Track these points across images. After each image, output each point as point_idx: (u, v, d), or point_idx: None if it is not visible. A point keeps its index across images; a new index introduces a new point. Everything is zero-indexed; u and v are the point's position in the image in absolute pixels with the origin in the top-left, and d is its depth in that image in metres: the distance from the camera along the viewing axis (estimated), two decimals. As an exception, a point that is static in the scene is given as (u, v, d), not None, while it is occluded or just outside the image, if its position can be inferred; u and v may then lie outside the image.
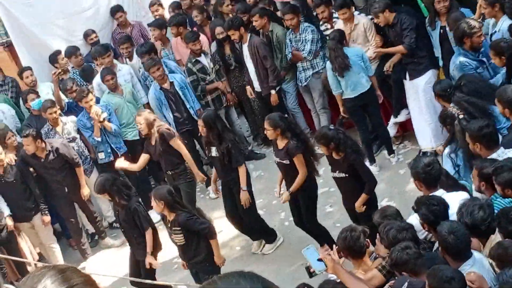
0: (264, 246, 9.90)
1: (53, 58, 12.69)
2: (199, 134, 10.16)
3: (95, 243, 11.55)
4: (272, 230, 9.83)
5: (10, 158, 10.37)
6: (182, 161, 9.92)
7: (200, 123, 9.22)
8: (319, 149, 8.65)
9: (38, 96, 11.47)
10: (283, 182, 9.08)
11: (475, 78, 8.25)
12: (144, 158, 10.10)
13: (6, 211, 10.29)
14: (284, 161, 8.65)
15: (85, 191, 10.70)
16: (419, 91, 10.04)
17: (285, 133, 8.52)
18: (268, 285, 1.88)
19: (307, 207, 8.88)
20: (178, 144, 9.85)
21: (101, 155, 11.22)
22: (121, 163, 10.18)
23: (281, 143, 8.62)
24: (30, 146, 10.15)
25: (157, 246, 8.95)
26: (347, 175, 8.13)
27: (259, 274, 1.93)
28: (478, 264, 5.49)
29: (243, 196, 9.18)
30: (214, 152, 9.26)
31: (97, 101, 11.40)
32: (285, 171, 8.83)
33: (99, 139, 11.04)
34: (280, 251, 9.69)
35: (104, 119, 10.88)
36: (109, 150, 11.28)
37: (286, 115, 8.96)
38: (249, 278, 1.87)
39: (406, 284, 5.21)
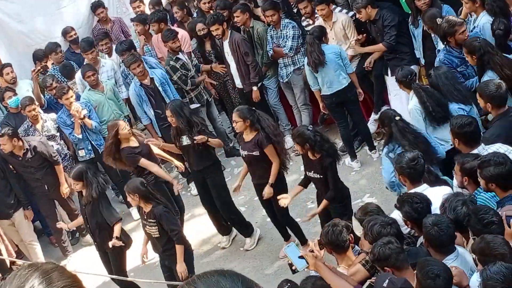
0: (232, 242, 9.96)
1: (39, 55, 12.56)
2: None
3: (76, 240, 11.50)
4: (249, 224, 9.84)
5: None
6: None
7: (168, 113, 9.26)
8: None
9: (15, 94, 11.37)
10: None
11: (446, 74, 8.18)
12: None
13: None
14: (254, 153, 8.65)
15: (65, 188, 10.62)
16: (400, 87, 10.03)
17: (254, 125, 8.55)
18: (248, 284, 1.86)
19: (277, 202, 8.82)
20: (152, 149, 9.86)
21: (82, 152, 11.14)
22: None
23: (249, 136, 8.65)
24: (7, 145, 10.08)
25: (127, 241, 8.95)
26: (321, 176, 8.14)
27: (241, 272, 1.92)
28: (461, 258, 5.51)
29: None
30: (185, 141, 9.27)
31: (77, 98, 11.32)
32: (255, 163, 8.82)
33: (80, 136, 10.97)
34: (262, 247, 9.69)
35: (84, 116, 10.80)
36: (89, 147, 11.20)
37: (254, 109, 8.90)
38: (229, 277, 1.86)
39: (387, 281, 5.20)
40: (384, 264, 5.53)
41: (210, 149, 9.45)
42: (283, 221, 9.13)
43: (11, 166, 10.49)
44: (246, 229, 9.80)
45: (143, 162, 9.50)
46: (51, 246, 11.54)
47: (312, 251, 5.94)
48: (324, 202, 8.13)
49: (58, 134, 11.19)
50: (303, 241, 8.97)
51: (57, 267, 2.06)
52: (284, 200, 8.45)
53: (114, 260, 8.97)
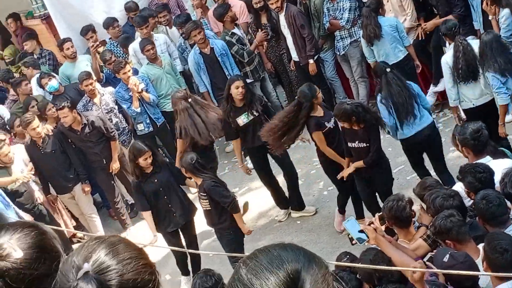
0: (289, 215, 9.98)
1: (84, 31, 12.69)
2: None
3: (135, 213, 11.62)
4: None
5: (47, 129, 10.43)
6: None
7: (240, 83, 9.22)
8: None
9: (51, 78, 11.47)
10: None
11: (491, 41, 8.18)
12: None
13: (36, 188, 10.42)
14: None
15: (115, 165, 10.74)
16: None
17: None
18: (310, 256, 1.85)
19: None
20: (180, 144, 9.82)
21: (140, 126, 11.24)
22: None
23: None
24: (68, 117, 10.17)
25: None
26: (367, 145, 8.08)
27: (299, 244, 1.91)
28: None
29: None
30: (246, 118, 9.27)
31: (135, 72, 11.41)
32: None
33: (138, 110, 11.05)
34: (319, 220, 9.68)
35: (142, 90, 10.89)
36: (148, 121, 11.27)
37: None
38: (290, 250, 1.85)
39: (448, 255, 5.15)
40: (446, 237, 5.48)
41: None
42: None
43: (70, 141, 10.63)
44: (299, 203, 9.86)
45: None
46: (110, 219, 11.72)
47: (371, 223, 5.91)
48: (359, 163, 8.17)
49: (116, 107, 11.27)
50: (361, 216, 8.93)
51: (123, 239, 2.09)
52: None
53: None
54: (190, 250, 8.82)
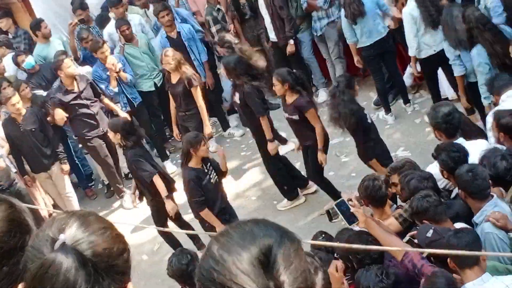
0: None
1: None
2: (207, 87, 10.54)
3: (111, 193, 11.62)
4: (294, 188, 9.74)
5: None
6: (196, 105, 10.04)
7: (222, 66, 9.29)
8: None
9: (27, 55, 11.43)
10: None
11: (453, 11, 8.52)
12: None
13: (13, 169, 10.38)
14: (293, 117, 8.53)
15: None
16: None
17: (294, 88, 8.40)
18: (283, 231, 1.85)
19: (314, 161, 8.77)
20: (197, 94, 9.92)
21: (118, 106, 11.20)
22: None
23: (289, 98, 8.48)
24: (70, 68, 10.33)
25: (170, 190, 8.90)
26: (298, 118, 8.38)
27: None
28: (500, 207, 5.48)
29: (270, 147, 9.21)
30: (237, 97, 9.23)
31: (111, 52, 11.35)
32: (295, 127, 8.74)
33: (116, 89, 11.02)
34: (296, 201, 9.72)
35: (119, 70, 10.84)
36: (125, 101, 11.25)
37: (294, 71, 8.79)
38: (262, 225, 1.85)
39: (431, 231, 5.20)
40: (423, 217, 5.53)
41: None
42: (316, 180, 9.15)
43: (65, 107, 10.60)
44: (291, 193, 9.69)
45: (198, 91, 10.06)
46: (87, 199, 11.71)
47: (350, 200, 5.93)
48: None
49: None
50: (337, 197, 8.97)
51: (92, 212, 2.09)
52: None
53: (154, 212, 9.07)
54: (189, 232, 8.88)
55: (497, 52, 7.92)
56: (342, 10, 10.16)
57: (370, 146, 8.18)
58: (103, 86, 11.05)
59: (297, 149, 9.23)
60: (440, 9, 8.77)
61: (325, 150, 8.67)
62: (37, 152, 10.36)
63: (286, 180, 9.67)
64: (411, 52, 9.43)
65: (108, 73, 10.93)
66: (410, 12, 9.16)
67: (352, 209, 5.57)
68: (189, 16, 11.81)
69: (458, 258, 4.79)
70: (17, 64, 11.53)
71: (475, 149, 6.21)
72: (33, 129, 10.18)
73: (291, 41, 11.21)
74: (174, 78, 10.03)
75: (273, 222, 1.89)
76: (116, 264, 1.95)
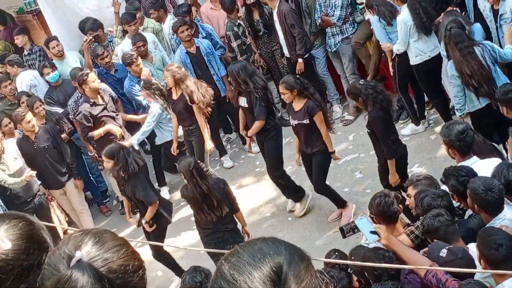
0: (304, 209, 9.84)
1: (82, 26, 12.64)
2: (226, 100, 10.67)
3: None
4: (299, 187, 9.78)
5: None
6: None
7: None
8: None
9: (54, 69, 11.49)
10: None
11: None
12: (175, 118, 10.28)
13: (38, 182, 10.40)
14: (304, 121, 8.63)
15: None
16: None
17: (302, 93, 8.55)
18: (292, 248, 1.86)
19: (320, 169, 8.88)
20: (197, 110, 9.86)
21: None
22: None
23: (298, 105, 8.64)
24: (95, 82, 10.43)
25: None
26: (370, 131, 8.15)
27: (289, 242, 1.91)
28: (508, 219, 5.44)
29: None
30: (242, 102, 9.36)
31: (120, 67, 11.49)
32: (306, 132, 8.76)
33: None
34: (311, 218, 9.69)
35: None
36: None
37: (298, 77, 8.92)
38: (271, 243, 1.86)
39: (445, 251, 5.16)
40: (434, 236, 5.50)
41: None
42: (320, 190, 9.16)
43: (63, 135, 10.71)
44: (297, 193, 9.76)
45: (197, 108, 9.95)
46: (101, 216, 11.72)
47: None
48: (389, 162, 8.10)
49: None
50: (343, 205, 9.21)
51: (107, 230, 2.12)
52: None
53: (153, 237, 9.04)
54: (193, 248, 8.94)
55: (463, 73, 8.15)
56: (373, 16, 10.07)
57: (392, 145, 8.14)
58: (140, 99, 11.02)
59: (297, 162, 9.33)
60: (432, 17, 9.30)
61: (328, 161, 8.97)
62: (52, 169, 10.40)
63: (291, 181, 9.79)
64: (396, 47, 9.76)
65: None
66: (404, 20, 9.45)
67: (373, 226, 5.55)
68: (213, 31, 11.86)
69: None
70: (42, 74, 11.66)
71: (488, 167, 6.16)
72: (46, 146, 10.23)
73: (300, 60, 11.20)
74: (175, 94, 10.03)
75: (282, 239, 1.89)
76: (131, 281, 1.96)
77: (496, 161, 6.46)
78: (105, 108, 10.53)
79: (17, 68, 12.24)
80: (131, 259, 2.01)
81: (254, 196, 10.42)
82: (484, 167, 6.20)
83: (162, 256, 9.07)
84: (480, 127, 7.98)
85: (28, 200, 10.04)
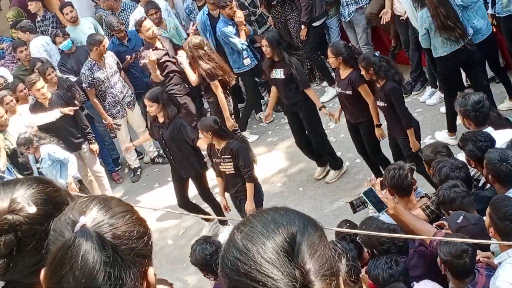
0: (327, 173, 9.87)
1: None
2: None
3: (137, 177, 11.68)
4: (339, 158, 9.79)
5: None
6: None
7: (264, 42, 9.15)
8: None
9: (66, 37, 11.46)
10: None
11: None
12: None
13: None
14: (347, 92, 8.46)
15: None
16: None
17: (348, 62, 8.33)
18: (305, 218, 1.84)
19: (369, 139, 8.75)
20: (216, 86, 9.71)
21: (247, 61, 11.14)
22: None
23: (344, 73, 8.45)
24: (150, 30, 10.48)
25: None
26: (385, 104, 8.00)
27: (301, 211, 1.89)
28: None
29: (323, 112, 9.21)
30: (278, 74, 9.18)
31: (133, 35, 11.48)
32: (349, 101, 8.61)
33: (246, 43, 10.99)
34: (321, 188, 9.69)
35: (245, 24, 10.94)
36: (251, 55, 11.22)
37: (350, 45, 8.71)
38: (284, 213, 1.83)
39: (461, 217, 5.15)
40: (449, 207, 5.48)
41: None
42: (375, 158, 9.01)
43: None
44: (335, 162, 9.75)
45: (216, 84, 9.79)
46: (113, 183, 11.72)
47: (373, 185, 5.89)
48: (409, 132, 7.98)
49: (118, 71, 11.21)
50: None
51: (113, 197, 2.10)
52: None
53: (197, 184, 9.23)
54: (186, 213, 8.99)
55: (440, 14, 8.40)
56: None
57: (410, 114, 8.11)
58: (236, 41, 10.93)
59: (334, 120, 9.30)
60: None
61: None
62: (66, 134, 10.41)
63: (332, 149, 9.73)
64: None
65: (235, 28, 10.95)
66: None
67: (381, 196, 5.53)
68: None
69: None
70: (54, 42, 11.66)
71: (504, 138, 6.12)
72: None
73: (302, 26, 11.24)
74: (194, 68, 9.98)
75: (294, 209, 1.87)
76: (136, 247, 1.95)
77: (511, 132, 6.42)
78: (167, 54, 10.60)
79: (29, 35, 12.24)
80: (136, 225, 2.00)
81: (265, 166, 10.41)
82: (499, 137, 6.17)
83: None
84: (447, 72, 8.26)
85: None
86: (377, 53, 8.14)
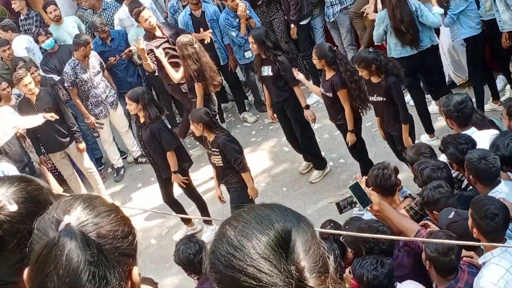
0: (310, 170, 9.90)
1: None
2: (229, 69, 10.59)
3: (121, 177, 11.65)
4: (323, 158, 9.78)
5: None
6: None
7: (250, 39, 9.16)
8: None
9: (48, 36, 11.40)
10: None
11: None
12: (182, 70, 10.13)
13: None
14: (327, 94, 8.52)
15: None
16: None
17: (331, 65, 8.33)
18: (298, 215, 1.84)
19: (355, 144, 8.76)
20: (199, 88, 9.69)
21: (248, 54, 11.12)
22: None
23: (328, 74, 8.48)
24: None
25: (184, 161, 9.09)
26: (384, 99, 7.99)
27: None
28: (504, 193, 5.42)
29: (307, 113, 9.18)
30: (266, 71, 9.20)
31: (122, 34, 11.38)
32: (328, 103, 8.70)
33: (246, 36, 10.87)
34: (305, 189, 9.69)
35: (249, 17, 10.89)
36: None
37: (335, 48, 8.73)
38: (277, 210, 1.83)
39: (453, 212, 5.17)
40: (433, 208, 5.48)
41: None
42: (357, 158, 9.04)
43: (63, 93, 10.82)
44: (320, 161, 9.73)
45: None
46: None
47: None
48: (404, 127, 8.01)
49: (101, 71, 11.18)
50: None
51: (98, 196, 2.09)
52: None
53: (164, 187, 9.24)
54: (184, 216, 8.95)
55: (395, 17, 8.78)
56: None
57: (407, 111, 8.12)
58: (234, 34, 10.99)
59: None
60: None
61: (358, 130, 8.71)
62: (53, 132, 10.33)
63: (318, 148, 9.72)
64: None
65: (238, 20, 10.94)
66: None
67: (366, 191, 5.53)
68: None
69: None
70: (37, 42, 11.61)
71: (487, 138, 6.14)
72: (47, 109, 10.10)
73: (292, 25, 11.23)
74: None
75: (285, 206, 1.87)
76: (120, 246, 1.94)
77: (493, 131, 6.45)
78: (167, 41, 10.56)
79: (11, 33, 12.18)
80: (121, 224, 1.99)
81: (249, 166, 10.38)
82: (482, 137, 6.20)
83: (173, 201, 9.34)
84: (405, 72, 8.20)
85: (20, 169, 9.89)
86: (370, 49, 8.10)
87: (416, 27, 8.86)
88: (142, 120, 8.77)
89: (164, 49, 10.40)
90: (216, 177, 8.60)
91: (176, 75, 10.14)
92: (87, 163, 10.84)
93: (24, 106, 10.18)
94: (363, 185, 5.52)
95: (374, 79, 7.95)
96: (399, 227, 5.37)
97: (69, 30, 11.75)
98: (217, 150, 8.16)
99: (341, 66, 8.30)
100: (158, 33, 10.58)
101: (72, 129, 10.53)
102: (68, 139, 10.51)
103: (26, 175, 2.43)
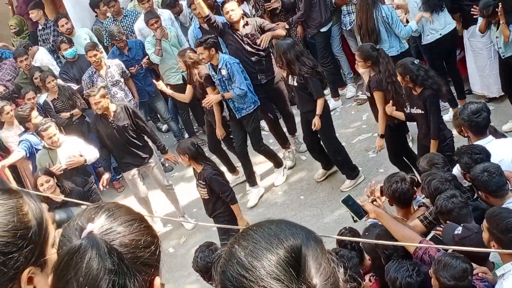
0: (326, 178, 9.90)
1: (94, 2, 12.70)
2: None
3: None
4: (354, 167, 9.66)
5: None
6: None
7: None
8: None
9: (71, 45, 11.48)
10: None
11: None
12: (189, 89, 10.20)
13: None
14: (368, 93, 8.59)
15: None
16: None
17: (375, 65, 8.27)
18: (307, 231, 1.82)
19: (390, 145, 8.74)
20: (211, 94, 9.76)
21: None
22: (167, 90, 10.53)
23: (367, 76, 8.53)
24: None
25: None
26: (422, 112, 7.83)
27: (301, 220, 1.92)
28: None
29: (316, 121, 9.09)
30: (290, 80, 9.25)
31: (139, 45, 11.44)
32: (369, 103, 8.80)
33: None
34: (322, 196, 9.67)
35: None
36: None
37: (378, 48, 8.60)
38: (285, 227, 1.81)
39: (460, 228, 5.11)
40: (447, 218, 5.43)
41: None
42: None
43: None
44: (351, 171, 9.60)
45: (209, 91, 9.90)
46: (114, 191, 11.85)
47: (372, 192, 5.86)
48: (433, 142, 7.79)
49: (122, 80, 11.23)
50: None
51: (123, 205, 2.10)
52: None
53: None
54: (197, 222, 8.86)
55: (361, 22, 9.61)
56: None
57: (440, 127, 7.89)
58: None
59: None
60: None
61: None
62: (132, 148, 9.90)
63: (348, 158, 9.61)
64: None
65: None
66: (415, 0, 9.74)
67: (359, 202, 5.50)
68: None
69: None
70: (59, 49, 11.73)
71: (505, 147, 6.10)
72: (126, 125, 9.69)
73: (286, 25, 10.99)
74: (194, 77, 10.01)
75: (292, 221, 1.85)
76: (142, 256, 1.96)
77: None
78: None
79: (32, 48, 12.36)
80: (144, 234, 2.00)
81: (267, 175, 10.40)
82: (499, 146, 6.16)
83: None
84: None
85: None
86: (416, 61, 7.99)
87: (376, 34, 9.57)
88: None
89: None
90: (205, 209, 8.61)
91: (184, 96, 10.32)
92: (166, 179, 10.41)
93: (100, 123, 9.72)
94: (377, 195, 5.50)
95: (415, 92, 7.84)
96: (397, 237, 5.31)
97: (81, 42, 11.85)
98: (203, 183, 8.17)
99: (382, 66, 8.22)
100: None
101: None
102: (148, 155, 10.06)
103: (11, 188, 2.26)
